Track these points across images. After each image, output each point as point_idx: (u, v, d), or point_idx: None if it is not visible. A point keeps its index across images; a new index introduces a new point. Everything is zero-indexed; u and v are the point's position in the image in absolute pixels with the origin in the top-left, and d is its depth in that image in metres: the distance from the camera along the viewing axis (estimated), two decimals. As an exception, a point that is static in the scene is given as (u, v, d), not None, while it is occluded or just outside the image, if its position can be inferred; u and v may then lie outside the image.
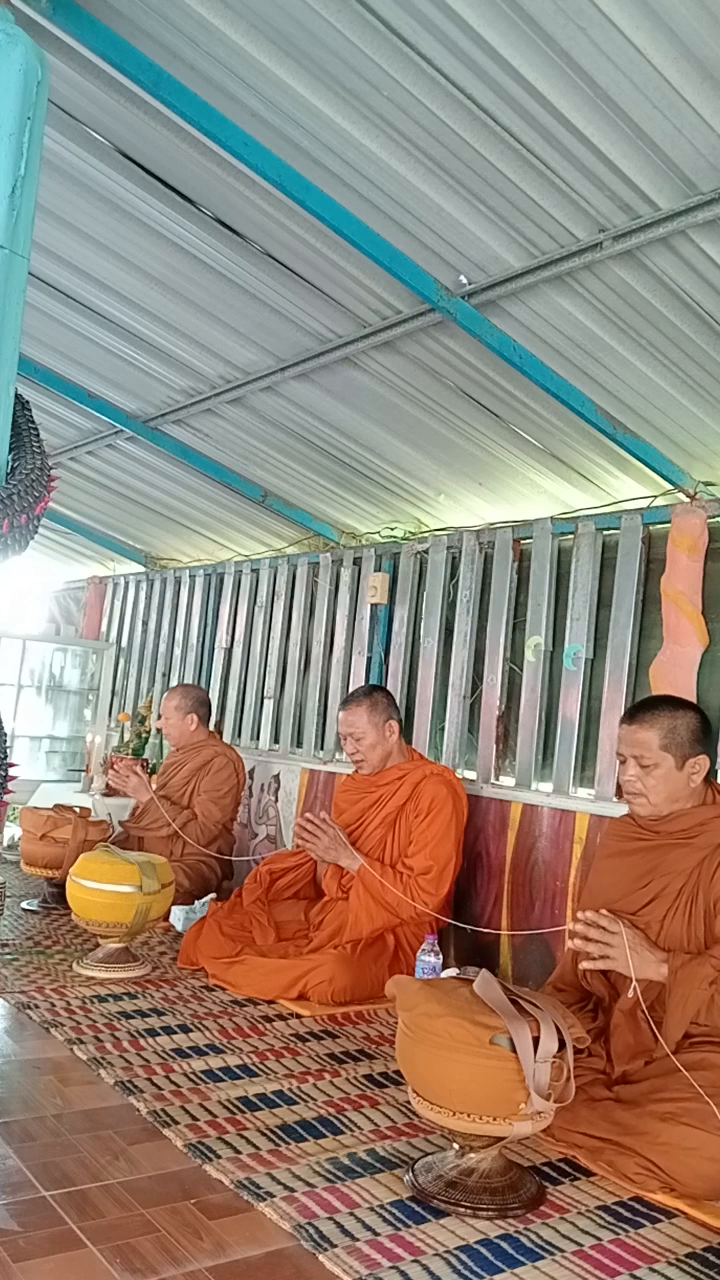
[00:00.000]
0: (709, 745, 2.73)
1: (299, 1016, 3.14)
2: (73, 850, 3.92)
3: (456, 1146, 2.07)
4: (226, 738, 5.75)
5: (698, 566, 3.51)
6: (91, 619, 7.39)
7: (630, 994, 2.45)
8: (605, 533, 3.94)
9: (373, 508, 4.87)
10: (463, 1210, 1.96)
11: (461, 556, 4.48)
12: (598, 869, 2.90)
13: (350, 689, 4.86)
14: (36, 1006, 2.93)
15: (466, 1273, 1.76)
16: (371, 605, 4.89)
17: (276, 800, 5.15)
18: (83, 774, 6.41)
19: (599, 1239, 1.92)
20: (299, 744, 5.37)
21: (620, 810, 2.94)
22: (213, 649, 6.14)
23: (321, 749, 5.21)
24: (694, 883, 2.58)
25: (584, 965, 2.51)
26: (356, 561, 5.09)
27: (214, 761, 4.74)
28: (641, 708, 2.78)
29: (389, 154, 2.58)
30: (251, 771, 5.27)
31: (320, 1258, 1.76)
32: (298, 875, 3.88)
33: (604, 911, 2.49)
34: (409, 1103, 2.22)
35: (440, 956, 3.22)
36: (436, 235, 2.84)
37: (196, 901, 4.13)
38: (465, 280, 2.99)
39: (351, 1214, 1.92)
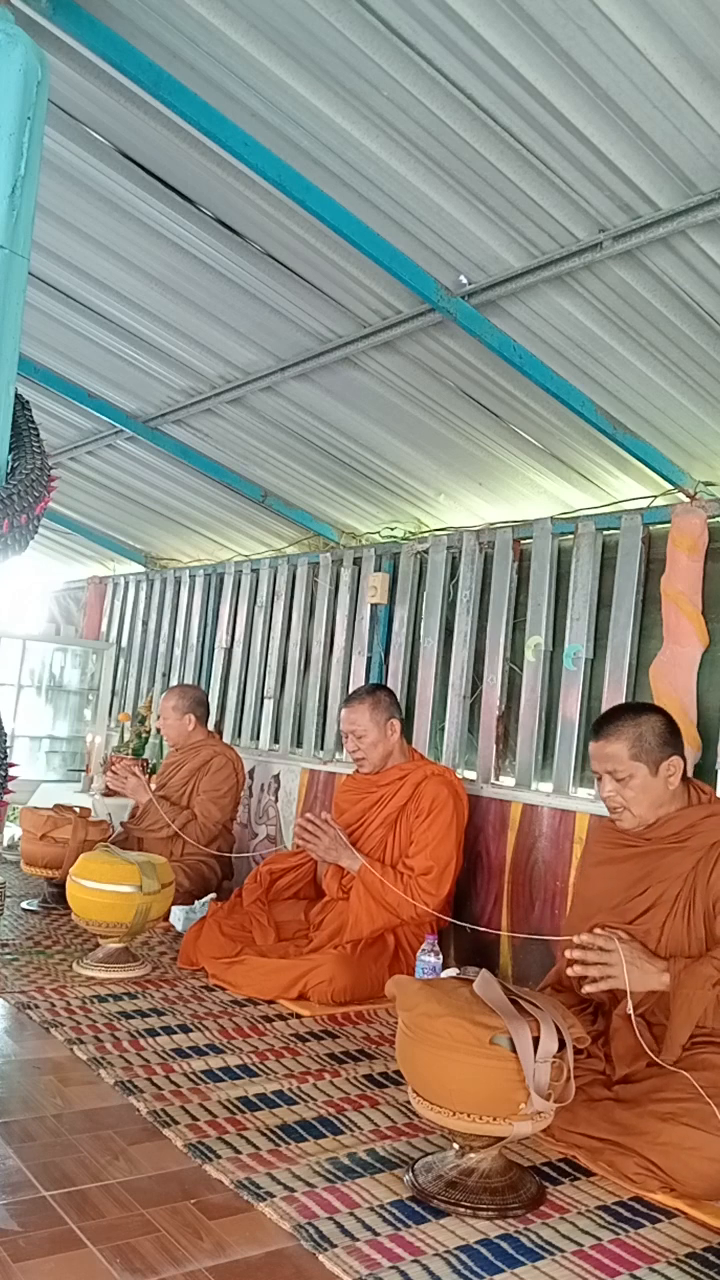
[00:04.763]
0: (679, 745, 2.72)
1: (299, 1016, 3.14)
2: (73, 850, 3.92)
3: (456, 1146, 2.07)
4: (226, 738, 5.75)
5: (698, 566, 3.51)
6: (91, 619, 7.39)
7: (620, 1010, 2.43)
8: (605, 533, 3.94)
9: (373, 508, 4.87)
10: (463, 1210, 1.96)
11: (461, 556, 4.48)
12: (587, 876, 2.87)
13: (350, 689, 4.86)
14: (36, 1006, 2.93)
15: (466, 1273, 1.76)
16: (371, 605, 4.89)
17: (276, 800, 5.15)
18: (83, 774, 6.41)
19: (599, 1239, 1.92)
20: (299, 744, 5.37)
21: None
22: (213, 649, 6.14)
23: (321, 749, 5.21)
24: (690, 886, 2.57)
25: (587, 989, 2.45)
26: (356, 561, 5.09)
27: (213, 761, 4.73)
28: (604, 721, 2.75)
29: (389, 154, 2.58)
30: (251, 771, 5.27)
31: (320, 1258, 1.76)
32: (298, 875, 3.87)
33: (598, 931, 2.45)
34: (409, 1103, 2.22)
35: (440, 956, 3.22)
36: (436, 235, 2.84)
37: (196, 901, 4.13)
38: (465, 280, 2.99)
39: (351, 1214, 1.92)
